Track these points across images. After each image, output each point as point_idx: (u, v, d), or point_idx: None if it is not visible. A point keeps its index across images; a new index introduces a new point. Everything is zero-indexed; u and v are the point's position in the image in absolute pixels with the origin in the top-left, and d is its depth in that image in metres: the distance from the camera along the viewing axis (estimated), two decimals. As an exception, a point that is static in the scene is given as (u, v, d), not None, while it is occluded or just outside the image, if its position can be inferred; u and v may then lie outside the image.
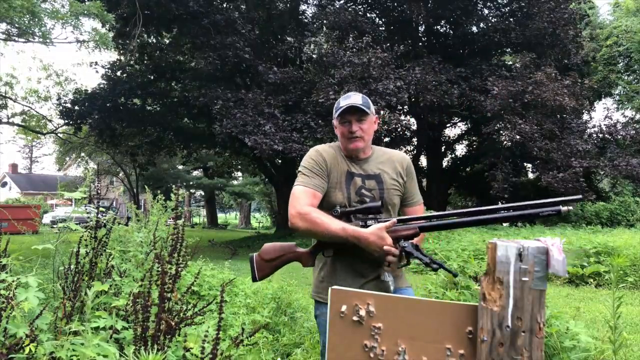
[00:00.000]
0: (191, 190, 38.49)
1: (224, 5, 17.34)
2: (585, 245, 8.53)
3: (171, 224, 2.34)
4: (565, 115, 16.18)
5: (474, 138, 21.83)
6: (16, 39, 11.92)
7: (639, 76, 21.53)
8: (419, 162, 21.53)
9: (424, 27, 19.08)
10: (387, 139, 18.10)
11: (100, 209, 2.72)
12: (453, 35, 18.78)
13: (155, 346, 1.84)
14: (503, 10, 18.72)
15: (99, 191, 3.02)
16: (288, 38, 18.46)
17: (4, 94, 20.68)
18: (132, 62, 19.03)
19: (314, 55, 18.61)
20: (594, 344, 2.77)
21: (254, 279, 1.83)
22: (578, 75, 17.19)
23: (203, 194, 39.98)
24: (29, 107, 22.92)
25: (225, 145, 19.11)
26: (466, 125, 21.31)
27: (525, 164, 19.45)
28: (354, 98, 1.86)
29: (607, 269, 7.37)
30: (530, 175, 20.73)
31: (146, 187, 5.50)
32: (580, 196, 1.54)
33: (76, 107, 17.99)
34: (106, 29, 14.58)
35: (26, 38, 11.29)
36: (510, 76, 15.52)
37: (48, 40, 10.87)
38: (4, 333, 1.71)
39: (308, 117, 14.37)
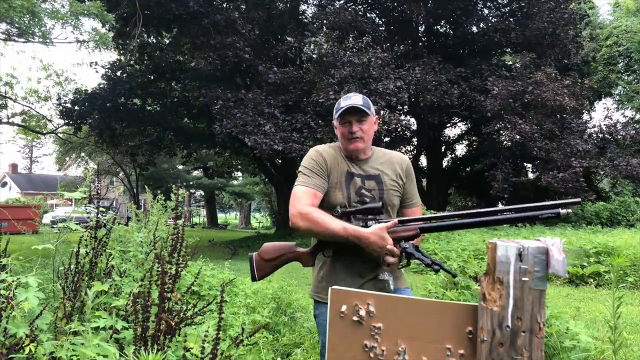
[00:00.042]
0: (191, 190, 38.49)
1: (224, 5, 17.34)
2: (585, 245, 8.52)
3: (171, 224, 2.34)
4: (565, 115, 16.18)
5: (474, 138, 21.84)
6: (16, 39, 11.92)
7: (639, 76, 21.53)
8: (419, 162, 21.53)
9: (424, 27, 19.09)
10: (387, 139, 18.10)
11: (100, 209, 2.72)
12: (453, 35, 18.78)
13: (155, 346, 1.84)
14: (503, 10, 18.72)
15: (99, 191, 3.02)
16: (288, 38, 18.46)
17: (4, 94, 20.68)
18: (132, 62, 19.02)
19: (314, 55, 18.61)
20: (594, 344, 2.77)
21: (254, 279, 1.83)
22: (578, 75, 17.19)
23: (203, 194, 39.99)
24: (29, 107, 22.95)
25: (225, 145, 19.11)
26: (466, 125, 21.32)
27: (525, 164, 19.46)
28: (355, 99, 1.87)
29: (607, 269, 7.37)
30: (530, 175, 20.74)
31: (146, 187, 5.50)
32: (579, 199, 1.55)
33: (76, 107, 17.99)
34: (106, 29, 14.58)
35: (26, 38, 11.29)
36: (510, 76, 15.52)
37: (48, 40, 10.87)
38: (4, 333, 1.71)
39: (308, 117, 14.37)
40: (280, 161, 19.42)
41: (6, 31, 11.62)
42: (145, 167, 24.08)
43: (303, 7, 19.68)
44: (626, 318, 5.08)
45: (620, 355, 2.49)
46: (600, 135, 16.68)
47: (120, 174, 32.87)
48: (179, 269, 2.08)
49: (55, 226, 2.74)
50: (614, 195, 17.45)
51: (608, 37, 21.15)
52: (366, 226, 1.72)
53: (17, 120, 23.73)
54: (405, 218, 1.76)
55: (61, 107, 18.77)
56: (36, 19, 10.04)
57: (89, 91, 18.76)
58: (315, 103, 13.91)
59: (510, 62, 19.23)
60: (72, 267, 2.22)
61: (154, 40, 19.15)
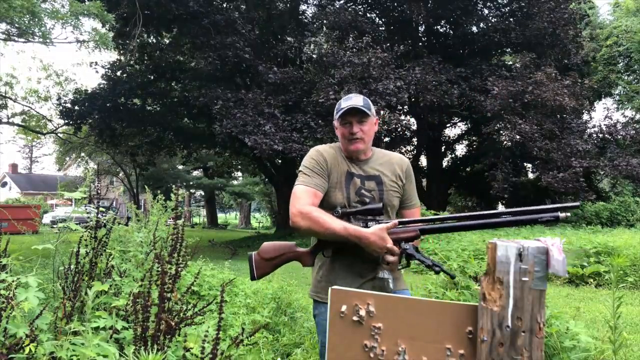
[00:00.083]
0: (191, 190, 38.49)
1: (224, 5, 17.34)
2: (585, 245, 8.52)
3: (171, 224, 2.34)
4: (565, 115, 16.18)
5: (474, 138, 21.84)
6: (16, 39, 11.92)
7: (639, 76, 21.53)
8: (419, 162, 21.53)
9: (424, 27, 19.08)
10: (387, 139, 18.10)
11: (100, 209, 2.72)
12: (453, 35, 18.78)
13: (155, 346, 1.84)
14: (503, 10, 18.72)
15: (99, 191, 3.02)
16: (288, 38, 18.46)
17: (4, 94, 20.68)
18: (132, 62, 19.02)
19: (314, 55, 18.62)
20: (594, 344, 2.77)
21: (253, 278, 1.83)
22: (578, 75, 17.20)
23: (203, 194, 39.99)
24: (29, 107, 22.95)
25: (225, 145, 19.11)
26: (466, 125, 21.32)
27: (525, 164, 19.46)
28: (355, 99, 1.87)
29: (607, 269, 7.37)
30: (530, 175, 20.74)
31: (146, 187, 5.50)
32: (578, 203, 1.58)
33: (76, 107, 17.99)
34: (106, 29, 14.58)
35: (26, 38, 11.29)
36: (510, 76, 15.52)
37: (48, 40, 10.87)
38: (4, 333, 1.71)
39: (308, 117, 14.37)
40: (280, 161, 19.42)
41: (6, 31, 11.62)
42: (145, 167, 24.08)
43: (303, 7, 19.69)
44: (626, 318, 5.09)
45: (620, 355, 2.49)
46: (600, 135, 16.68)
47: (120, 174, 32.88)
48: (179, 269, 2.08)
49: (55, 226, 2.74)
50: (614, 195, 17.44)
51: (608, 37, 21.15)
52: (366, 227, 1.72)
53: (17, 120, 23.75)
54: (405, 219, 1.77)
55: (61, 107, 18.77)
56: (36, 19, 10.04)
57: (89, 91, 18.76)
58: (315, 103, 13.92)
59: (510, 62, 19.24)
60: (72, 267, 2.22)
61: (154, 40, 19.15)
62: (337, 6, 17.15)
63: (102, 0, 10.96)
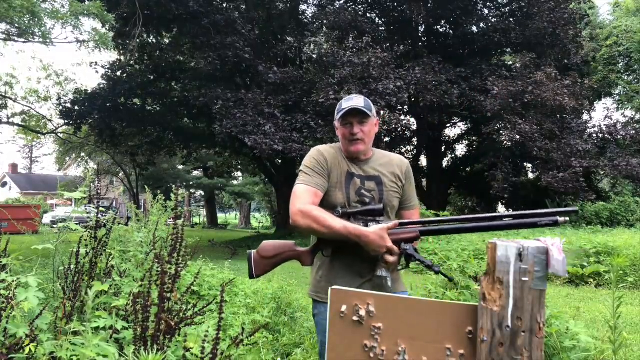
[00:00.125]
0: (191, 190, 38.49)
1: (224, 5, 17.34)
2: (585, 245, 8.52)
3: (171, 224, 2.34)
4: (565, 115, 16.17)
5: (474, 138, 21.83)
6: (16, 39, 11.92)
7: (639, 76, 21.52)
8: (419, 162, 21.52)
9: (424, 27, 19.08)
10: (387, 139, 18.10)
11: (100, 209, 2.71)
12: (453, 35, 18.78)
13: (155, 346, 1.84)
14: (503, 10, 18.72)
15: (99, 191, 3.02)
16: (288, 38, 18.46)
17: (4, 94, 20.68)
18: (132, 62, 19.02)
19: (314, 55, 18.62)
20: (594, 344, 2.77)
21: (251, 276, 1.83)
22: (578, 75, 17.19)
23: (203, 194, 39.99)
24: (29, 107, 22.94)
25: (225, 145, 19.11)
26: (466, 125, 21.31)
27: (525, 164, 19.45)
28: (356, 100, 1.88)
29: (607, 269, 7.37)
30: (530, 175, 20.73)
31: (146, 187, 5.50)
32: (576, 208, 1.61)
33: (76, 107, 17.98)
34: (106, 29, 14.57)
35: (26, 38, 11.28)
36: (510, 76, 15.51)
37: (48, 40, 10.87)
38: (4, 333, 1.71)
39: (308, 117, 14.37)
40: (280, 161, 19.42)
41: (6, 31, 11.62)
42: (145, 167, 24.07)
43: (303, 7, 19.69)
44: (626, 318, 5.09)
45: (620, 355, 2.49)
46: (600, 135, 16.67)
47: (120, 174, 32.88)
48: (179, 269, 2.08)
49: (55, 226, 2.74)
50: (614, 195, 17.42)
51: (608, 37, 21.15)
52: (366, 227, 1.72)
53: (17, 120, 23.73)
54: (405, 221, 1.77)
55: (61, 107, 18.76)
56: (36, 19, 10.03)
57: (89, 91, 18.75)
58: (315, 103, 13.91)
59: (510, 62, 19.23)
60: (72, 267, 2.22)
61: (154, 40, 19.14)
62: (337, 6, 17.14)
63: (102, 0, 10.96)
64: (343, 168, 1.90)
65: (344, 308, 1.15)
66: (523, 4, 17.30)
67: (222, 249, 14.46)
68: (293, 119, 14.54)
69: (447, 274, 1.89)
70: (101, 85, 18.42)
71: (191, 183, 36.02)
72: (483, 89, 15.31)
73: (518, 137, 14.36)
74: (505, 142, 15.83)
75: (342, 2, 17.94)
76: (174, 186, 2.43)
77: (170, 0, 14.72)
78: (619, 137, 16.47)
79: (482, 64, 16.78)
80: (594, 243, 8.51)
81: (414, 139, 20.83)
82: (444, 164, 22.01)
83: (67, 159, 35.81)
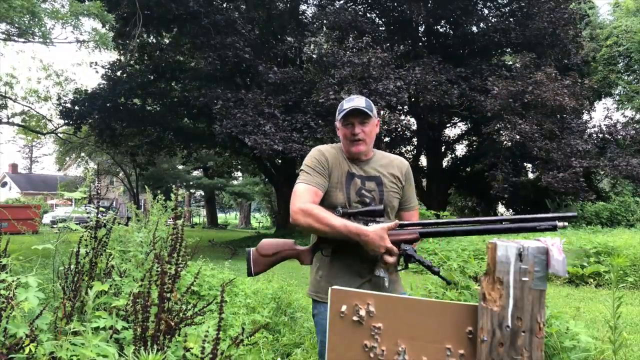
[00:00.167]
0: (191, 190, 38.49)
1: (224, 5, 17.33)
2: (585, 245, 8.52)
3: (171, 224, 2.34)
4: (565, 115, 16.17)
5: (474, 138, 21.83)
6: (16, 39, 11.92)
7: (639, 76, 21.53)
8: (419, 162, 21.52)
9: (424, 27, 19.08)
10: (387, 139, 18.11)
11: (100, 209, 2.71)
12: (453, 35, 18.78)
13: (155, 346, 1.84)
14: (503, 10, 18.72)
15: (99, 191, 3.02)
16: (288, 38, 18.46)
17: (4, 94, 20.67)
18: (132, 62, 19.01)
19: (314, 55, 18.62)
20: (594, 344, 2.77)
21: (249, 274, 1.83)
22: (578, 75, 17.18)
23: (203, 194, 39.99)
24: (29, 107, 22.92)
25: (225, 145, 19.11)
26: (466, 125, 21.31)
27: (525, 164, 19.44)
28: (358, 101, 1.89)
29: (607, 269, 7.37)
30: (530, 175, 20.72)
31: (146, 187, 5.50)
32: (575, 213, 1.62)
33: (76, 107, 17.97)
34: (106, 29, 14.56)
35: (26, 38, 11.28)
36: (510, 76, 15.52)
37: (48, 40, 10.86)
38: (4, 333, 1.71)
39: (308, 117, 14.37)
40: (280, 161, 19.42)
41: (6, 31, 11.62)
42: (145, 167, 24.07)
43: (303, 7, 19.69)
44: (626, 318, 5.09)
45: (620, 355, 2.49)
46: (600, 135, 16.67)
47: (120, 174, 32.88)
48: (179, 269, 2.08)
49: (55, 226, 2.74)
50: (614, 195, 17.43)
51: (608, 37, 21.15)
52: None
53: (17, 120, 23.71)
54: (405, 222, 1.78)
55: (61, 107, 18.75)
56: (36, 19, 10.03)
57: (89, 91, 18.74)
58: (315, 103, 13.91)
59: (510, 62, 19.23)
60: (72, 267, 2.22)
61: (154, 40, 19.14)
62: (337, 6, 17.14)
63: (102, 0, 10.96)
64: (344, 168, 1.90)
65: (344, 308, 1.15)
66: (523, 4, 17.30)
67: (222, 249, 14.45)
68: (293, 119, 14.54)
69: (447, 274, 1.89)
70: (101, 85, 18.42)
71: (191, 183, 36.02)
72: (483, 89, 15.32)
73: (518, 137, 14.36)
74: (505, 142, 15.83)
75: (342, 2, 17.94)
76: (174, 186, 2.43)
77: (170, 0, 14.72)
78: (619, 137, 16.47)
79: (482, 64, 16.78)
80: (594, 243, 8.51)
81: (414, 139, 20.84)
82: (444, 164, 22.02)
83: (67, 159, 35.81)
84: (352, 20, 15.80)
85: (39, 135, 31.72)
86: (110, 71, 18.81)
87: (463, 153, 22.94)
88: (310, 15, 19.19)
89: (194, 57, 18.00)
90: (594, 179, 18.36)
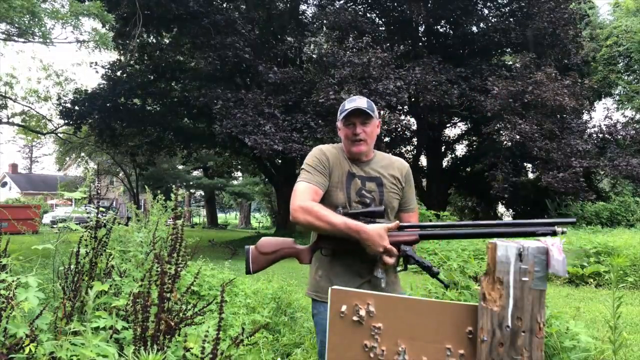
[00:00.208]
0: (191, 190, 38.49)
1: (224, 5, 17.34)
2: (585, 245, 8.52)
3: (171, 224, 2.34)
4: (565, 115, 16.17)
5: (474, 138, 21.83)
6: (16, 39, 11.92)
7: (639, 76, 21.53)
8: (419, 162, 21.52)
9: (424, 27, 19.08)
10: (387, 139, 18.10)
11: (100, 209, 2.71)
12: (453, 35, 18.78)
13: (155, 346, 1.84)
14: (503, 10, 18.72)
15: (99, 191, 3.02)
16: (288, 38, 18.46)
17: (4, 94, 20.67)
18: (132, 62, 19.01)
19: (314, 55, 18.62)
20: (594, 344, 2.77)
21: (248, 272, 1.82)
22: (578, 75, 17.18)
23: (203, 194, 39.99)
24: (29, 107, 22.92)
25: (225, 145, 19.11)
26: (466, 125, 21.31)
27: (525, 164, 19.44)
28: (359, 101, 1.90)
29: (607, 269, 7.37)
30: (530, 175, 20.72)
31: (146, 187, 5.50)
32: (574, 219, 1.63)
33: (76, 107, 17.97)
34: (106, 29, 14.56)
35: (26, 38, 11.28)
36: (510, 76, 15.52)
37: (48, 40, 10.86)
38: (4, 333, 1.71)
39: (308, 117, 14.37)
40: (280, 161, 19.42)
41: (6, 31, 11.62)
42: (145, 167, 24.07)
43: (303, 7, 19.69)
44: (626, 318, 5.09)
45: (620, 355, 2.49)
46: (600, 135, 16.67)
47: (120, 174, 32.88)
48: (179, 269, 2.08)
49: (55, 226, 2.74)
50: (614, 195, 17.44)
51: (608, 37, 21.15)
52: (367, 226, 1.72)
53: (17, 120, 23.72)
54: (405, 224, 1.78)
55: (61, 107, 18.75)
56: (36, 19, 10.03)
57: (89, 91, 18.74)
58: (315, 103, 13.91)
59: (510, 62, 19.23)
60: (72, 267, 2.22)
61: (154, 40, 19.14)
62: (337, 6, 17.14)
63: (102, 0, 10.96)
64: (344, 168, 1.91)
65: (344, 308, 1.15)
66: (523, 4, 17.30)
67: (222, 249, 14.45)
68: (293, 119, 14.54)
69: (447, 274, 1.89)
70: (101, 85, 18.41)
71: (191, 183, 36.02)
72: (483, 89, 15.32)
73: (518, 137, 14.36)
74: (505, 142, 15.83)
75: (342, 2, 17.94)
76: (174, 186, 2.43)
77: (170, 0, 14.72)
78: (619, 137, 16.47)
79: (482, 64, 16.78)
80: (594, 243, 8.51)
81: (414, 139, 20.83)
82: (444, 164, 22.02)
83: (67, 159, 35.81)
84: (352, 20, 15.80)
85: (39, 135, 31.74)
86: (110, 71, 18.81)
87: (463, 153, 22.95)
88: (310, 15, 19.20)
89: (194, 57, 18.00)
90: (594, 179, 18.36)
